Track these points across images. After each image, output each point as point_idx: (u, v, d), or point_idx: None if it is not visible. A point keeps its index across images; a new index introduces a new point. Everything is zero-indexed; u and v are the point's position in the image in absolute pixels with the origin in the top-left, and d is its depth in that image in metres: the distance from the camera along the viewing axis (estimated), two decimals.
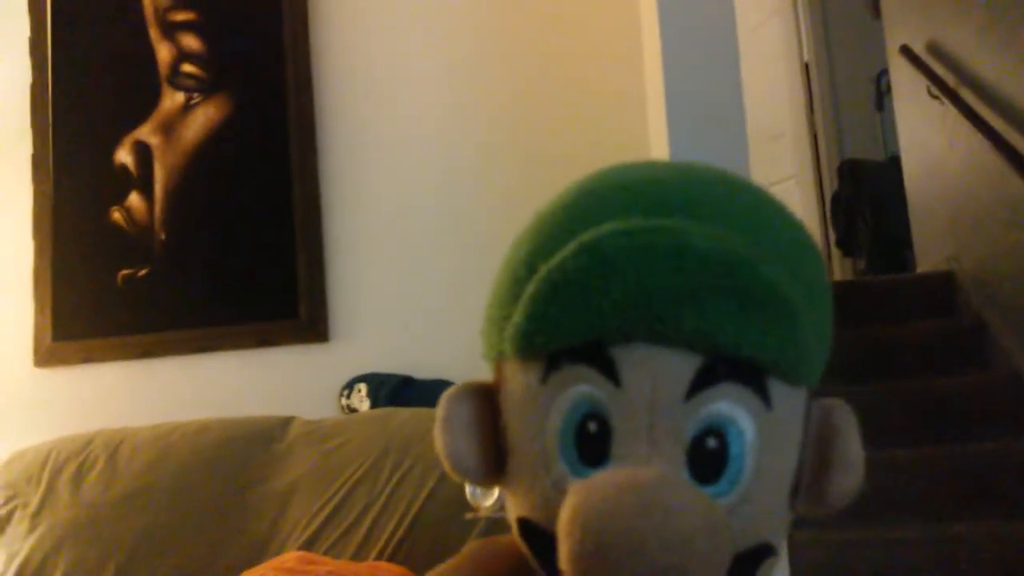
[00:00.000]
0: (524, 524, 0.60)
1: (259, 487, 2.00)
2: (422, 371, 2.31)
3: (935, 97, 3.53)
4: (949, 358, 3.17)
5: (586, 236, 0.55)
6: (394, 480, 1.94)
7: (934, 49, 3.66)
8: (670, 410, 0.54)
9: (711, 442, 0.55)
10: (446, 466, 0.62)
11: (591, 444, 0.56)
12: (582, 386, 0.56)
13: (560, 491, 0.55)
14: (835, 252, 5.13)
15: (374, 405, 2.26)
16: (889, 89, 4.60)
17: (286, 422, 2.12)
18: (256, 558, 1.82)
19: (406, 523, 1.88)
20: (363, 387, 2.30)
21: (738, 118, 2.07)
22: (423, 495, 1.89)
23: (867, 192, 4.70)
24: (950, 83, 3.42)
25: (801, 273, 0.59)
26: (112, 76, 2.54)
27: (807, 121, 5.38)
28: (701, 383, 0.54)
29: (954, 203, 3.58)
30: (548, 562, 0.56)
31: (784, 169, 5.40)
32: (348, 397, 2.31)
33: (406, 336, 2.37)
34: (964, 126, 3.23)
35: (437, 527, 1.87)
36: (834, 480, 0.60)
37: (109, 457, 2.05)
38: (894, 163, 4.47)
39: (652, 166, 0.64)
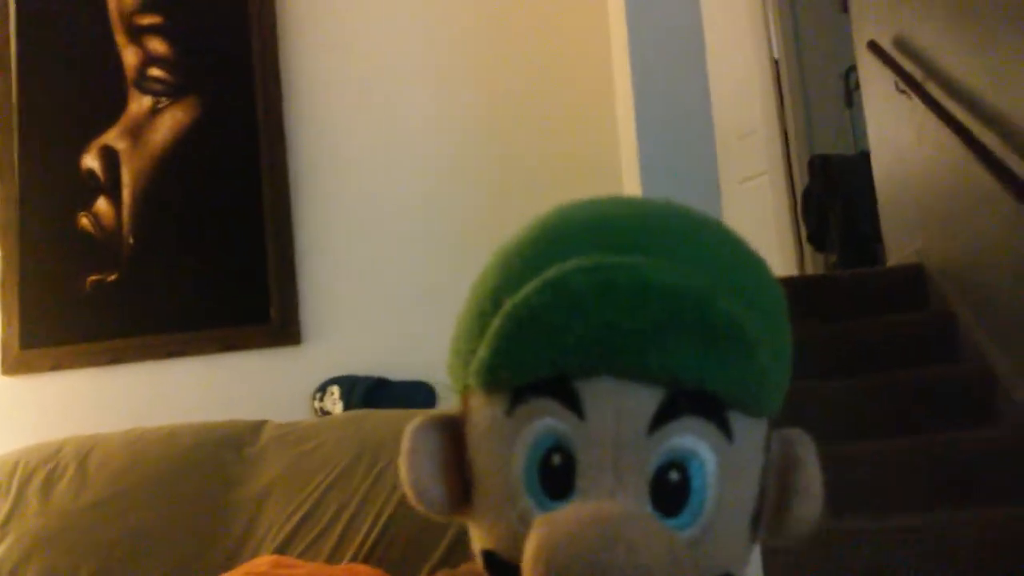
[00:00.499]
0: (490, 557, 0.61)
1: (232, 491, 1.98)
2: (396, 372, 2.31)
3: (903, 92, 3.57)
4: (920, 350, 3.20)
5: (550, 272, 0.56)
6: (368, 481, 1.93)
7: (901, 44, 3.69)
8: (633, 444, 0.55)
9: (674, 475, 0.56)
10: (411, 498, 0.63)
11: (556, 477, 0.56)
12: (546, 419, 0.56)
13: (525, 524, 0.55)
14: (807, 247, 5.17)
15: (347, 407, 2.25)
16: (858, 85, 4.64)
17: (258, 426, 2.10)
18: (230, 563, 1.80)
19: (380, 524, 1.87)
20: (336, 389, 2.29)
21: (706, 117, 2.09)
22: (397, 496, 1.88)
23: (837, 187, 4.74)
24: (917, 78, 3.45)
25: (760, 306, 0.60)
26: (78, 81, 2.51)
27: (777, 117, 5.42)
28: (664, 417, 0.55)
29: (923, 196, 3.62)
30: None
31: (755, 166, 5.43)
32: (321, 400, 2.30)
33: (379, 337, 2.37)
34: (931, 120, 3.26)
35: (412, 528, 1.86)
36: (795, 509, 0.61)
37: (79, 464, 2.03)
38: (864, 158, 4.51)
39: (617, 202, 0.65)
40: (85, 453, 2.05)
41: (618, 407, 0.55)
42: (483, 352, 0.58)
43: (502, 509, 0.58)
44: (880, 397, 2.91)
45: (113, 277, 2.41)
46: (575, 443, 0.56)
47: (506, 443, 0.58)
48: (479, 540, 0.62)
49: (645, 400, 0.55)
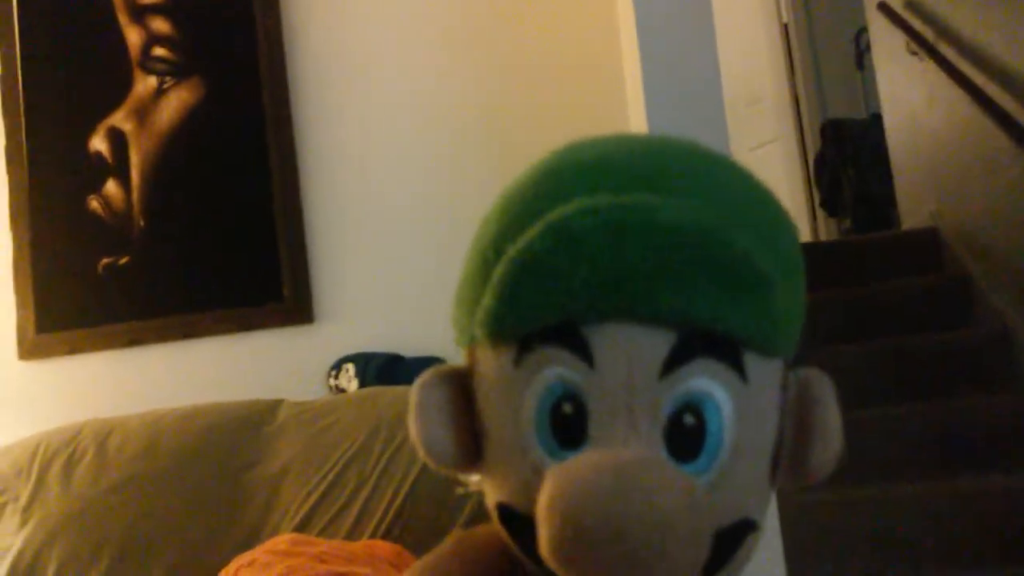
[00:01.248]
0: (503, 510, 0.60)
1: (250, 471, 2.00)
2: (411, 349, 2.31)
3: (914, 53, 3.52)
4: (936, 314, 3.18)
5: (553, 215, 0.55)
6: (385, 458, 1.94)
7: (912, 5, 3.64)
8: (646, 388, 0.54)
9: (688, 419, 0.55)
10: (421, 453, 0.61)
11: (568, 426, 0.55)
12: (556, 368, 0.55)
13: (538, 475, 0.54)
14: (820, 212, 5.14)
15: (362, 384, 2.25)
16: (869, 47, 4.58)
17: (275, 405, 2.11)
18: (250, 542, 1.82)
19: (399, 501, 1.88)
20: (351, 367, 2.29)
21: (716, 85, 2.06)
22: (414, 472, 1.89)
23: (850, 151, 4.70)
24: (929, 38, 3.41)
25: (774, 244, 0.59)
26: (82, 62, 2.50)
27: (788, 83, 5.36)
28: (676, 360, 0.54)
29: (936, 159, 3.58)
30: (529, 548, 0.55)
31: (766, 132, 5.38)
32: (336, 378, 2.30)
33: (392, 314, 2.36)
34: (943, 81, 3.22)
35: (429, 503, 1.87)
36: (814, 451, 0.60)
37: (98, 447, 2.04)
38: (876, 121, 4.47)
39: (620, 140, 0.63)
40: (104, 436, 2.07)
41: (629, 352, 0.54)
42: (487, 301, 0.57)
43: (514, 460, 0.57)
44: (896, 361, 2.90)
45: (125, 260, 2.41)
46: (586, 391, 0.54)
47: (515, 394, 0.57)
48: (492, 493, 0.61)
49: (657, 343, 0.54)
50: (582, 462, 0.52)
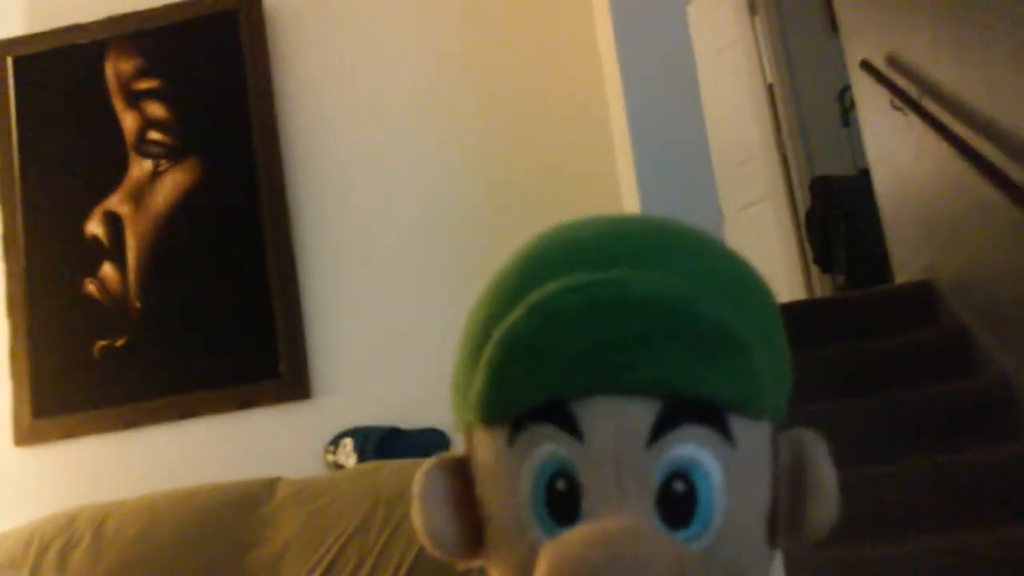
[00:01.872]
0: None
1: (250, 552, 1.97)
2: (409, 421, 2.30)
3: (898, 109, 3.57)
4: (935, 366, 3.17)
5: (534, 297, 0.56)
6: (385, 534, 1.92)
7: (894, 62, 3.70)
8: (634, 458, 0.55)
9: (678, 486, 0.55)
10: (426, 544, 0.62)
11: (562, 503, 0.56)
12: (547, 445, 0.56)
13: (535, 553, 0.54)
14: (814, 269, 5.15)
15: (361, 459, 2.24)
16: (853, 104, 4.65)
17: (272, 484, 2.09)
18: None
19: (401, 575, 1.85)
20: (349, 442, 2.28)
21: (703, 146, 2.09)
22: (416, 547, 1.86)
23: (840, 208, 4.73)
24: (912, 94, 3.46)
25: (747, 306, 0.60)
26: (79, 147, 2.54)
27: (775, 142, 5.43)
28: (662, 428, 0.55)
29: (926, 212, 3.61)
30: None
31: (756, 191, 5.43)
32: (334, 453, 2.29)
33: (390, 387, 2.36)
34: (930, 136, 3.25)
35: (435, 575, 1.85)
36: (811, 510, 0.60)
37: (94, 533, 2.02)
38: (864, 176, 4.51)
39: (595, 222, 0.65)
40: (100, 521, 2.04)
41: (616, 423, 0.55)
42: (478, 385, 0.58)
43: (513, 542, 0.57)
44: (895, 417, 2.88)
45: (121, 342, 2.41)
46: (577, 466, 0.55)
47: (511, 475, 0.57)
48: None
49: (642, 413, 0.55)
50: (573, 536, 0.52)
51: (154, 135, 2.51)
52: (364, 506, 1.98)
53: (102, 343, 2.41)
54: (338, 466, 2.26)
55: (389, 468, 2.06)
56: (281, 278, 2.40)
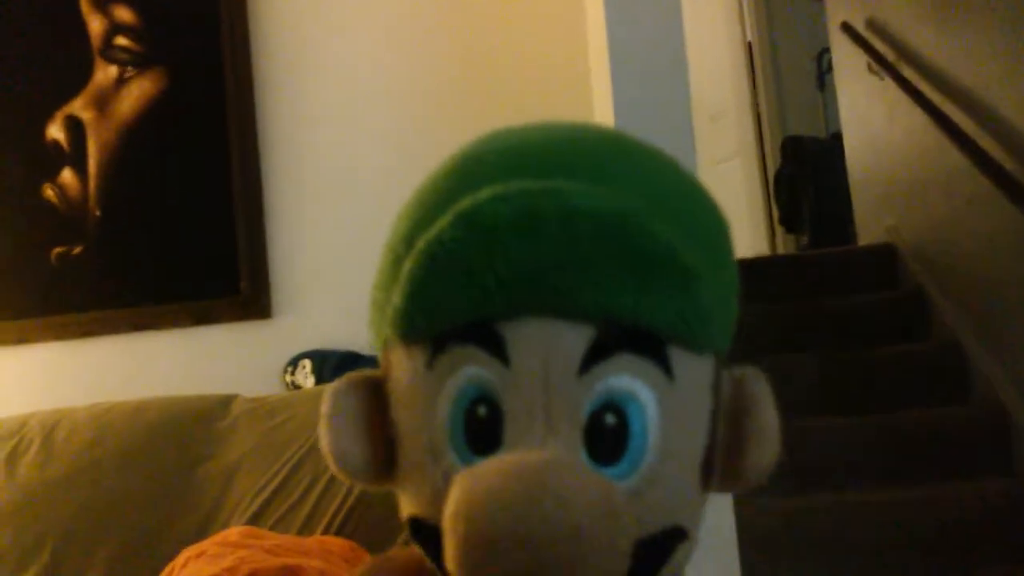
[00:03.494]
0: (415, 523, 0.56)
1: (201, 465, 1.96)
2: (368, 347, 2.28)
3: (875, 73, 3.58)
4: (891, 327, 3.22)
5: (463, 204, 0.51)
6: None
7: (874, 25, 3.71)
8: (564, 387, 0.50)
9: (609, 419, 0.51)
10: (332, 467, 0.57)
11: (482, 430, 0.51)
12: (470, 368, 0.51)
13: (449, 483, 0.50)
14: (779, 229, 5.19)
15: (319, 382, 2.23)
16: (830, 67, 4.66)
17: (228, 400, 2.07)
18: (199, 535, 1.78)
19: (352, 498, 1.85)
20: (308, 363, 2.26)
21: (684, 97, 2.08)
22: None
23: (809, 169, 4.76)
24: (890, 59, 3.47)
25: (700, 235, 0.55)
26: (42, 49, 2.46)
27: (750, 100, 5.43)
28: (596, 356, 0.50)
29: (894, 176, 3.64)
30: (444, 563, 0.51)
31: (727, 148, 5.44)
32: (292, 374, 2.27)
33: (351, 311, 2.33)
34: (903, 101, 3.27)
35: (383, 503, 1.84)
36: (750, 454, 0.56)
37: (45, 438, 1.99)
38: (836, 140, 4.54)
39: (541, 128, 0.59)
40: (50, 427, 2.02)
41: (545, 348, 0.50)
42: (396, 299, 0.53)
43: (426, 469, 0.53)
44: (850, 373, 2.93)
45: (79, 250, 2.36)
46: (501, 392, 0.51)
47: (428, 397, 0.53)
48: (405, 506, 0.56)
49: (575, 339, 0.50)
50: (489, 466, 0.48)
51: (121, 40, 2.44)
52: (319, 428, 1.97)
53: (59, 250, 2.36)
54: (296, 387, 2.25)
55: None
56: (245, 196, 2.36)
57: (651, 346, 0.51)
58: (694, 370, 0.54)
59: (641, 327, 0.51)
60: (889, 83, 3.41)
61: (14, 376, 2.34)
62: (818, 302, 3.30)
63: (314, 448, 1.95)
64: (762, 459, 0.56)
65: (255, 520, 1.84)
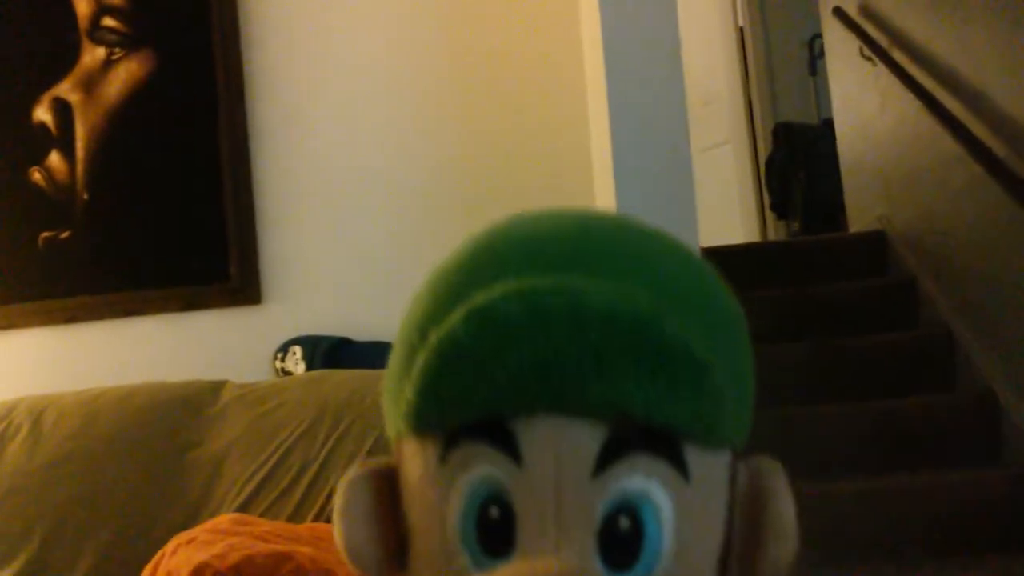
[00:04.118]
0: None
1: (191, 452, 1.95)
2: (360, 332, 2.28)
3: (867, 59, 3.57)
4: (881, 315, 3.22)
5: (477, 299, 0.51)
6: (331, 442, 1.91)
7: (866, 10, 3.69)
8: (577, 489, 0.49)
9: (624, 522, 0.50)
10: (345, 559, 0.57)
11: (494, 532, 0.50)
12: (482, 466, 0.50)
13: None
14: (770, 216, 5.19)
15: (310, 368, 2.22)
16: (822, 53, 4.64)
17: (217, 386, 2.06)
18: (189, 523, 1.77)
19: None
20: (298, 349, 2.25)
21: (677, 84, 2.07)
22: (361, 454, 1.87)
23: (801, 155, 4.75)
24: (882, 44, 3.45)
25: (715, 326, 0.55)
26: (28, 30, 2.43)
27: (742, 85, 5.41)
28: (609, 456, 0.49)
29: (885, 163, 3.63)
30: None
31: (719, 134, 5.43)
32: (282, 360, 2.26)
33: (342, 297, 2.33)
34: (896, 87, 3.26)
35: None
36: (768, 549, 0.54)
37: (33, 424, 1.98)
38: (827, 126, 4.53)
39: (553, 217, 0.59)
40: (39, 413, 2.00)
41: (558, 448, 0.49)
42: (409, 393, 0.52)
43: (438, 568, 0.52)
44: (839, 361, 2.93)
45: (67, 234, 2.34)
46: (513, 492, 0.50)
47: (440, 495, 0.52)
48: None
49: (588, 438, 0.49)
50: (502, 575, 0.47)
51: (109, 21, 2.41)
52: (310, 414, 1.96)
53: (47, 234, 2.34)
54: (286, 373, 2.24)
55: (337, 377, 2.04)
56: (235, 180, 2.34)
57: (666, 445, 0.50)
58: (710, 467, 0.53)
59: (655, 425, 0.50)
60: (881, 69, 3.40)
61: (1, 362, 2.32)
62: (808, 289, 3.30)
63: (304, 435, 1.94)
64: (780, 554, 0.55)
65: (245, 507, 1.83)
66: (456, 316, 0.51)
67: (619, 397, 0.49)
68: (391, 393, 0.56)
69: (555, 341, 0.49)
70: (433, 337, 0.51)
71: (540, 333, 0.49)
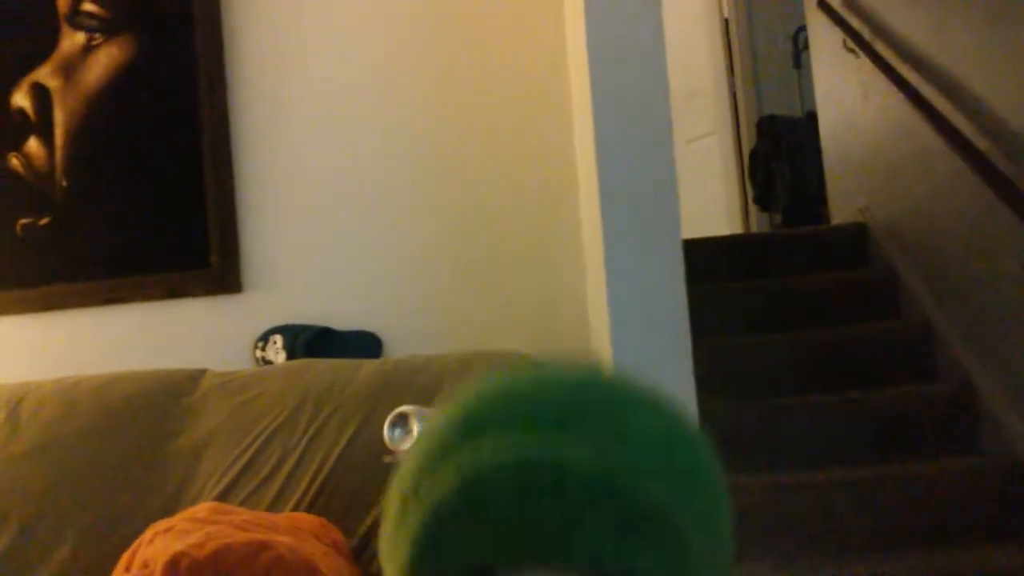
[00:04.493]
0: None
1: (171, 441, 1.94)
2: (342, 322, 2.27)
3: (851, 51, 3.58)
4: (862, 307, 3.24)
5: (465, 465, 0.55)
6: (311, 431, 1.90)
7: (850, 3, 3.70)
8: None
9: None
10: None
11: None
12: None
13: None
14: (753, 208, 5.20)
15: (291, 357, 2.20)
16: (807, 46, 4.65)
17: (197, 375, 2.05)
18: (169, 511, 1.77)
19: (323, 474, 1.84)
20: (279, 339, 2.24)
21: (662, 75, 2.07)
22: (341, 445, 1.86)
23: (784, 147, 4.76)
24: (865, 36, 3.46)
25: (694, 486, 0.58)
26: (6, 15, 2.40)
27: (726, 78, 5.41)
28: None
29: (868, 155, 3.65)
30: None
31: (703, 126, 5.43)
32: (263, 349, 2.25)
33: (324, 286, 2.32)
34: (879, 79, 3.27)
35: (354, 478, 1.84)
36: None
37: (10, 413, 1.96)
38: (811, 119, 4.54)
39: (536, 375, 0.63)
40: (16, 401, 1.99)
41: None
42: (402, 554, 0.57)
43: None
44: (824, 352, 2.94)
45: (45, 221, 2.32)
46: None
47: None
48: None
49: None
50: None
51: (88, 6, 2.38)
52: (291, 403, 1.96)
53: (25, 221, 2.32)
54: (266, 362, 2.22)
55: (319, 367, 2.03)
56: (216, 167, 2.32)
57: None
58: None
59: (631, 573, 0.53)
60: (864, 61, 3.41)
61: None
62: (789, 281, 3.31)
63: (285, 423, 1.93)
64: None
65: (225, 496, 1.83)
66: (447, 485, 0.55)
67: (599, 553, 0.53)
68: (386, 544, 0.60)
69: (538, 506, 0.53)
70: (424, 496, 0.55)
71: (524, 497, 0.53)
